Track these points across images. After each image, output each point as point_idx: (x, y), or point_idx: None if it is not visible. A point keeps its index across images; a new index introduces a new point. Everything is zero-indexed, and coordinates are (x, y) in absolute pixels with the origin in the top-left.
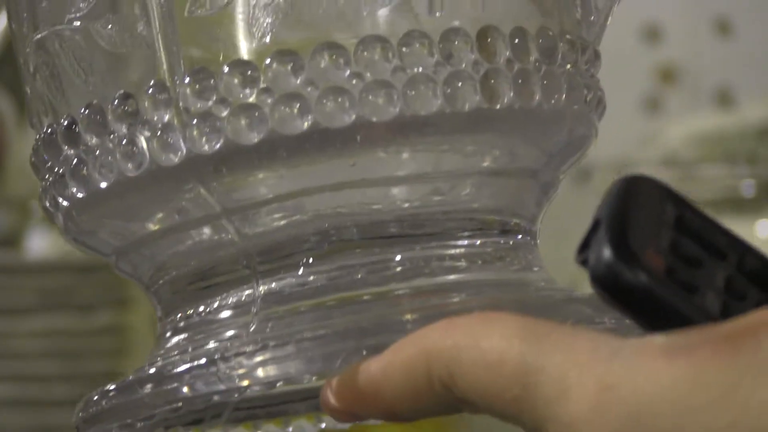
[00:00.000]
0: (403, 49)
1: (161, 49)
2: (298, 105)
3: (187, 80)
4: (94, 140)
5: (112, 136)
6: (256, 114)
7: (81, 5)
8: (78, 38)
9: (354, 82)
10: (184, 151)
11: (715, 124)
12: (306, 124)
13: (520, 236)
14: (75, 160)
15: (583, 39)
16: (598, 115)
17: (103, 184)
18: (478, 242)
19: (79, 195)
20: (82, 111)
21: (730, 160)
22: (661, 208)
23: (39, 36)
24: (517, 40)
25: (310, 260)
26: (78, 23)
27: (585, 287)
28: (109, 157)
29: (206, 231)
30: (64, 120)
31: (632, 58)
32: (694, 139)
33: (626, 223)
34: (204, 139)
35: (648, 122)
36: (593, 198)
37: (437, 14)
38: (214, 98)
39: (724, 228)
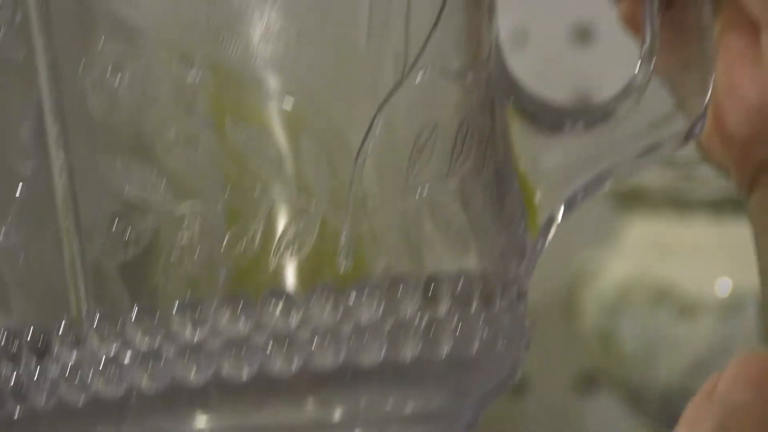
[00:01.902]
0: (350, 298)
1: (71, 289)
2: (244, 349)
3: (95, 323)
4: (9, 369)
5: (24, 368)
6: (161, 362)
7: None
8: None
9: (301, 330)
10: (91, 392)
11: None
12: (247, 371)
13: None
14: None
15: (521, 284)
16: (525, 349)
17: (16, 415)
18: None
19: None
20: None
21: None
22: None
23: None
24: (459, 289)
25: None
26: None
27: (585, 289)
28: (22, 389)
29: None
30: None
31: (632, 57)
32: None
33: None
34: (110, 383)
35: None
36: (593, 198)
37: (383, 261)
38: (119, 343)
39: None
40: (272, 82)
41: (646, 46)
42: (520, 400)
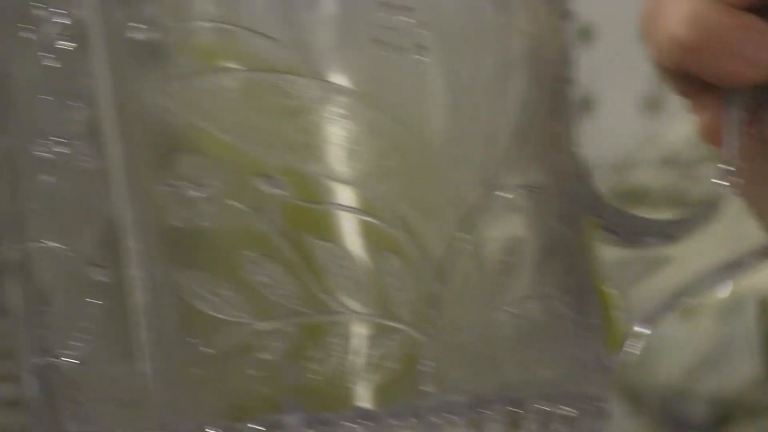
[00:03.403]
0: (433, 417)
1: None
2: None
3: None
4: None
5: None
6: None
7: None
8: None
9: None
10: None
11: None
12: None
13: None
14: None
15: (604, 401)
16: None
17: None
18: None
19: None
20: None
21: None
22: None
23: None
24: (544, 409)
25: None
26: None
27: None
28: None
29: None
30: None
31: (632, 58)
32: (694, 139)
33: None
34: None
35: (648, 122)
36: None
37: (466, 379)
38: None
39: None
40: (354, 197)
41: (725, 160)
42: None
